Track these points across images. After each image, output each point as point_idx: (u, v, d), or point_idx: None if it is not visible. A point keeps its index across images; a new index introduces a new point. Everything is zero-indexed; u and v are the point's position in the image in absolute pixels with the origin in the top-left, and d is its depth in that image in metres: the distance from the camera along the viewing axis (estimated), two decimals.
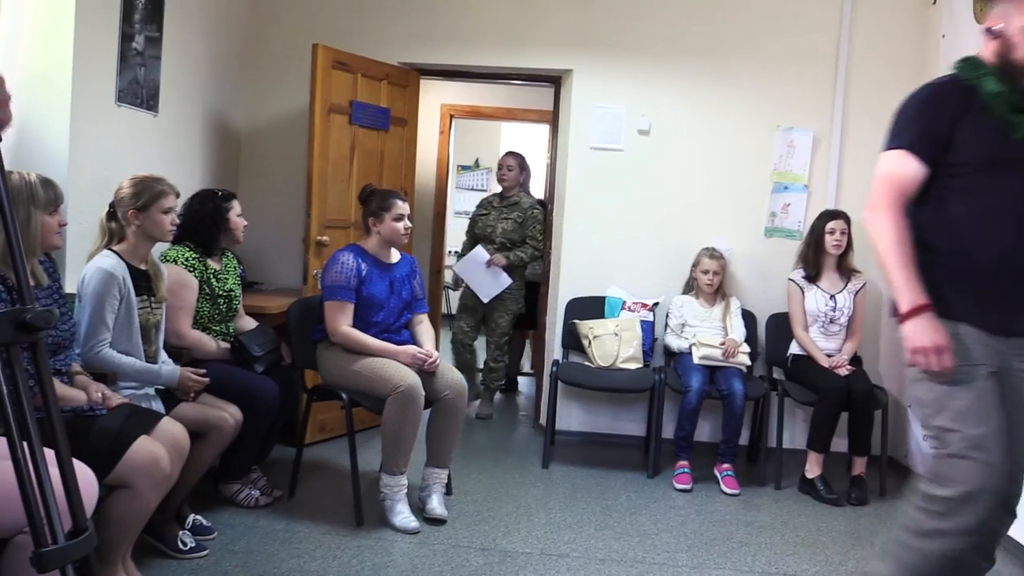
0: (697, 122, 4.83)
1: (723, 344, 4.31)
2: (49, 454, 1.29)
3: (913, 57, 4.71)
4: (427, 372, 3.50)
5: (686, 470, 4.21)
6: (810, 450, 4.19)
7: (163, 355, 3.12)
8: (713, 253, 4.50)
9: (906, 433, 4.60)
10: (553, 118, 5.24)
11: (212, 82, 4.51)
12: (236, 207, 3.58)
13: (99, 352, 2.82)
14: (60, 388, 2.54)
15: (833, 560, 3.37)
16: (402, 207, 3.59)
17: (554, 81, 5.13)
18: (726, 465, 4.21)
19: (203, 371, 3.13)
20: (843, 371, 4.18)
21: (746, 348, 4.38)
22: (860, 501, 4.06)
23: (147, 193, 2.96)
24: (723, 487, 4.13)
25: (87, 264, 2.90)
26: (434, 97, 7.11)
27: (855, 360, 4.35)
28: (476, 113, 7.59)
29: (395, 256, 3.71)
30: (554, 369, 4.57)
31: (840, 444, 4.27)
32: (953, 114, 2.20)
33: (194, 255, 3.41)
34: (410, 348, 3.55)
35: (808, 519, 3.84)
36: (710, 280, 4.47)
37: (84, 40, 3.25)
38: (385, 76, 4.78)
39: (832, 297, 4.36)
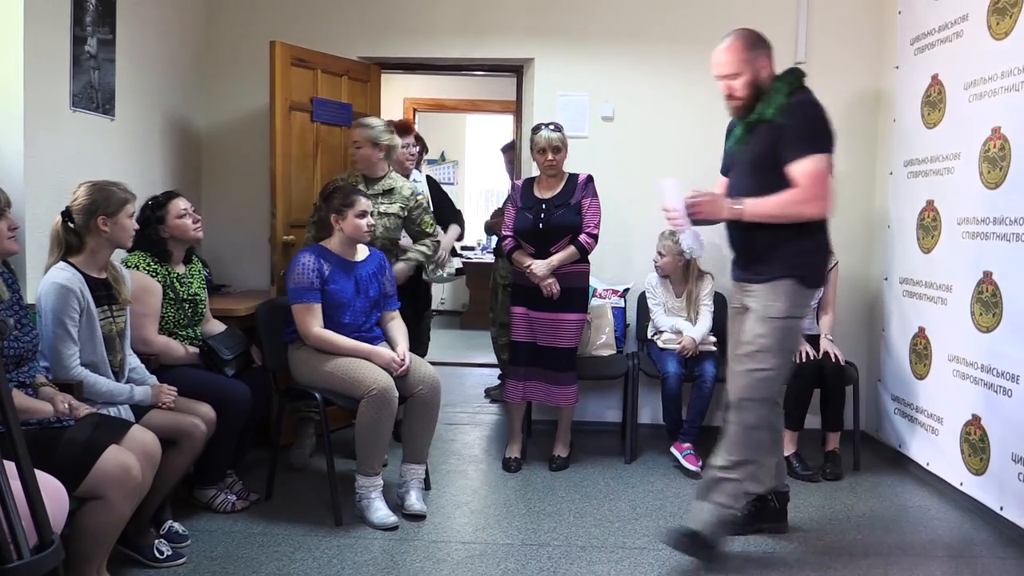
0: (660, 108, 4.83)
1: (679, 343, 4.28)
2: (11, 468, 1.27)
3: (871, 37, 4.74)
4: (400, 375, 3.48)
5: (691, 451, 4.18)
6: (784, 428, 4.21)
7: (132, 361, 3.08)
8: (665, 236, 4.43)
9: (878, 408, 4.66)
10: (517, 108, 5.22)
11: (169, 84, 4.44)
12: (175, 207, 3.38)
13: (72, 369, 2.78)
14: (26, 400, 2.50)
15: (810, 535, 3.40)
16: (365, 204, 3.56)
17: (516, 71, 5.11)
18: (686, 445, 4.20)
19: (173, 388, 3.09)
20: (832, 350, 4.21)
21: (712, 339, 4.35)
22: (835, 476, 4.11)
23: (114, 199, 2.90)
24: (684, 464, 4.13)
25: (43, 278, 2.84)
26: (396, 91, 7.07)
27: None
28: (439, 106, 7.57)
29: (361, 253, 3.67)
30: None
31: (814, 421, 4.30)
32: None
33: (154, 260, 3.35)
34: (385, 353, 3.52)
35: None
36: (660, 263, 4.44)
37: (35, 44, 3.19)
38: (345, 71, 4.74)
39: None
